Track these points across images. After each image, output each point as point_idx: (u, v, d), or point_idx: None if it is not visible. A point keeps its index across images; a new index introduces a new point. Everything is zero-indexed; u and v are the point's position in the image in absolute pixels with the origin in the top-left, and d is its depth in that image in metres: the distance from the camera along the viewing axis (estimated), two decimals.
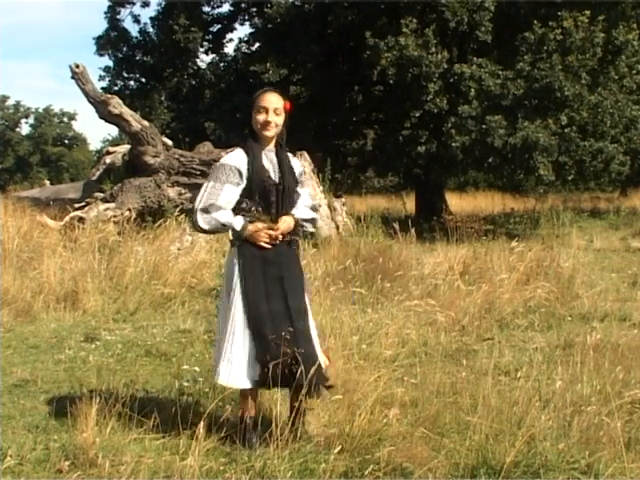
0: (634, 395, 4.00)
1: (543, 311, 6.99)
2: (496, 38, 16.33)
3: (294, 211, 3.85)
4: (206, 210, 3.68)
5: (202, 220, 3.69)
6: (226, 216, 3.69)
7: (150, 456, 3.54)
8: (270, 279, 3.71)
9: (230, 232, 3.75)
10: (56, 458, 3.53)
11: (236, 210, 3.73)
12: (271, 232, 3.70)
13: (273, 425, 3.54)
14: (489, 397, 3.89)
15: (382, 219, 10.81)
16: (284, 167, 3.83)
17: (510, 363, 5.15)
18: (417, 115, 16.94)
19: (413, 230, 9.07)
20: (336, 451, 3.43)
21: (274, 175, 3.80)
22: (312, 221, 3.98)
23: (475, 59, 16.13)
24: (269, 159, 3.83)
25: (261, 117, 3.76)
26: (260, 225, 3.70)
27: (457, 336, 6.02)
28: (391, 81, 15.99)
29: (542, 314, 6.87)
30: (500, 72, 15.65)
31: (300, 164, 4.06)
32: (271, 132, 3.80)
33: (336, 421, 3.83)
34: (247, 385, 3.66)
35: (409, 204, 20.61)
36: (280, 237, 3.74)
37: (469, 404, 4.07)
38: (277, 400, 3.92)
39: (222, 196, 3.69)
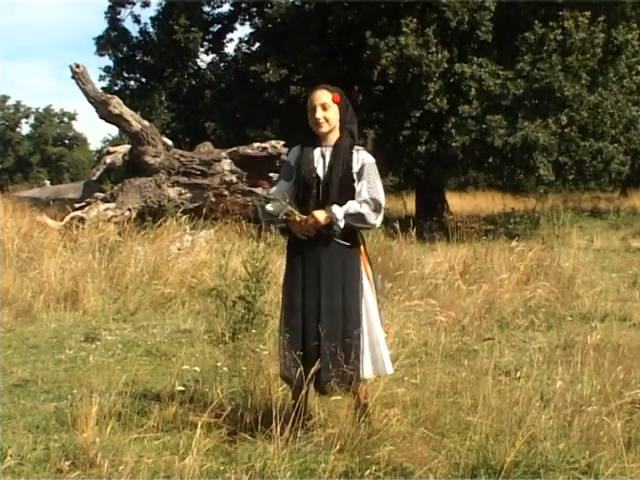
0: (634, 395, 4.00)
1: (543, 311, 6.98)
2: (496, 38, 16.34)
3: (335, 206, 3.69)
4: (263, 200, 3.83)
5: (260, 210, 3.87)
6: (272, 206, 3.78)
7: (150, 456, 3.54)
8: (309, 274, 3.74)
9: (277, 221, 3.82)
10: (56, 458, 3.53)
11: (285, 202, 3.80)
12: (302, 224, 3.71)
13: (273, 425, 3.54)
14: (489, 397, 3.89)
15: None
16: (334, 161, 3.78)
17: (510, 363, 5.15)
18: (417, 115, 16.94)
19: (413, 230, 9.06)
20: (336, 451, 3.44)
21: (321, 170, 3.80)
22: (356, 216, 3.69)
23: (475, 59, 16.14)
24: (322, 154, 3.82)
25: (311, 115, 3.81)
26: (297, 217, 3.72)
27: (457, 336, 6.02)
28: (391, 81, 15.99)
29: (542, 314, 6.87)
30: (500, 72, 15.66)
31: (363, 157, 3.83)
32: (324, 128, 3.80)
33: (336, 421, 3.83)
34: (288, 377, 3.71)
35: (409, 204, 20.60)
36: (313, 231, 3.69)
37: (469, 404, 4.08)
38: (277, 400, 3.92)
39: (275, 189, 3.86)
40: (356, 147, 3.87)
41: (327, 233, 3.70)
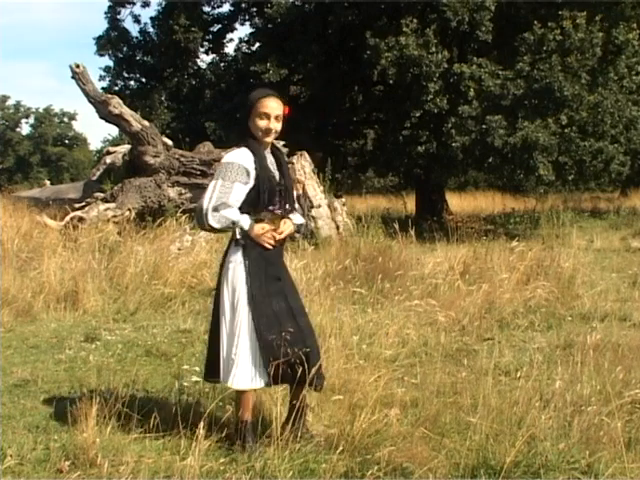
0: (634, 395, 4.00)
1: (543, 311, 6.99)
2: (496, 38, 16.33)
3: (291, 216, 3.89)
4: (217, 208, 3.66)
5: (213, 218, 3.65)
6: (236, 214, 3.69)
7: (150, 456, 3.54)
8: (270, 279, 3.73)
9: (237, 231, 3.70)
10: (56, 458, 3.53)
11: (243, 209, 3.72)
12: (275, 234, 3.73)
13: (273, 425, 3.54)
14: (489, 397, 3.89)
15: (382, 219, 10.80)
16: (284, 167, 3.89)
17: (510, 363, 5.15)
18: (417, 115, 16.93)
19: (413, 230, 9.07)
20: (337, 451, 3.44)
21: (277, 175, 3.83)
22: (302, 227, 4.01)
23: (475, 59, 16.14)
24: (271, 160, 3.86)
25: (263, 123, 3.76)
26: (266, 226, 3.72)
27: (457, 336, 6.02)
28: (391, 81, 15.98)
29: (542, 314, 6.87)
30: (500, 72, 15.66)
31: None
32: (271, 138, 3.83)
33: (336, 421, 3.84)
34: (256, 385, 3.67)
35: (409, 204, 20.61)
36: (280, 239, 3.79)
37: (469, 404, 4.07)
38: (277, 400, 3.92)
39: (232, 195, 3.67)
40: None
41: (288, 240, 3.97)
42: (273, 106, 3.78)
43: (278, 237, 3.74)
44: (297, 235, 4.07)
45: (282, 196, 3.82)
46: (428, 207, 19.14)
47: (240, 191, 3.69)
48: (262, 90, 3.90)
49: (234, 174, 3.69)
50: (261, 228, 3.71)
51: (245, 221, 3.70)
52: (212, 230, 3.72)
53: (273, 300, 3.70)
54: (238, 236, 3.70)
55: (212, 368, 3.79)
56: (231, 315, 3.70)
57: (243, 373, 3.63)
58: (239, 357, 3.63)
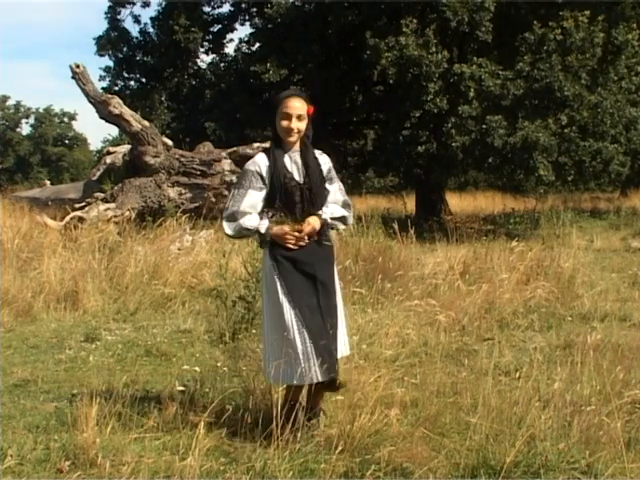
0: (634, 395, 4.01)
1: (543, 311, 6.99)
2: (496, 38, 16.33)
3: (324, 210, 3.84)
4: (231, 216, 3.79)
5: (227, 226, 3.81)
6: (250, 221, 3.77)
7: (150, 456, 3.54)
8: (305, 277, 3.76)
9: (257, 235, 3.79)
10: (56, 458, 3.53)
11: (262, 213, 3.80)
12: (296, 234, 3.74)
13: (273, 425, 3.54)
14: (489, 397, 3.89)
15: (382, 219, 10.80)
16: (309, 167, 3.84)
17: (510, 363, 5.14)
18: (417, 115, 16.94)
19: (413, 230, 9.07)
20: (337, 451, 3.44)
21: (298, 176, 3.82)
22: (342, 219, 3.93)
23: (475, 59, 16.13)
24: (293, 160, 3.85)
25: (284, 124, 3.78)
26: (286, 227, 3.74)
27: (457, 336, 6.02)
28: (391, 81, 15.98)
29: (542, 314, 6.87)
30: (500, 72, 15.66)
31: (326, 161, 3.98)
32: (294, 138, 3.82)
33: (336, 421, 3.84)
34: (302, 382, 3.69)
35: (409, 204, 20.61)
36: (306, 238, 3.76)
37: (469, 404, 4.08)
38: (277, 400, 3.92)
39: (245, 201, 3.77)
40: (317, 151, 3.97)
41: (319, 238, 3.80)
42: (294, 106, 3.79)
43: (299, 236, 3.73)
44: (337, 228, 3.97)
45: (304, 196, 3.80)
46: (428, 207, 19.14)
47: (255, 197, 3.78)
48: (286, 91, 3.94)
49: (247, 181, 3.80)
50: (280, 229, 3.74)
51: (262, 225, 3.76)
52: (230, 237, 3.90)
53: (304, 297, 3.71)
54: (258, 240, 3.82)
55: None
56: (272, 313, 3.76)
57: (289, 370, 3.66)
58: (288, 353, 3.66)
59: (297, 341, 3.65)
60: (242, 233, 3.83)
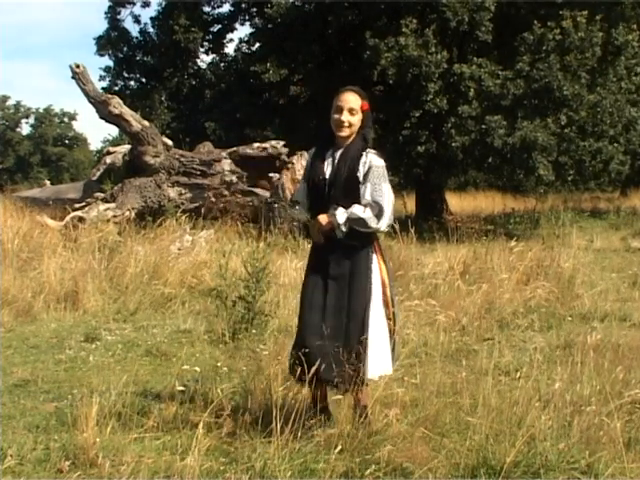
0: (634, 395, 4.00)
1: (543, 311, 6.99)
2: (496, 38, 16.34)
3: (348, 209, 3.72)
4: (293, 205, 4.13)
5: (291, 212, 4.23)
6: (298, 210, 4.04)
7: (150, 456, 3.54)
8: (321, 274, 3.82)
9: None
10: (56, 458, 3.53)
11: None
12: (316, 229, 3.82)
13: (273, 425, 3.54)
14: (489, 397, 3.89)
15: None
16: (341, 162, 3.80)
17: (510, 363, 5.15)
18: (417, 115, 16.94)
19: (413, 230, 9.07)
20: (336, 451, 3.44)
21: (328, 170, 3.83)
22: (358, 221, 3.72)
23: (475, 59, 16.14)
24: (333, 156, 3.85)
25: (335, 117, 3.81)
26: (314, 222, 3.83)
27: (457, 336, 6.02)
28: (391, 81, 15.98)
29: (542, 314, 6.87)
30: (500, 72, 15.66)
31: (371, 160, 3.80)
32: (344, 132, 3.81)
33: (336, 421, 3.84)
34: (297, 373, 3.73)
35: (409, 204, 20.60)
36: (320, 235, 3.79)
37: (469, 404, 4.08)
38: (277, 400, 3.92)
39: (299, 192, 4.06)
40: (368, 150, 3.85)
41: (333, 236, 3.77)
42: (347, 99, 3.81)
43: (314, 231, 3.83)
44: (358, 228, 3.74)
45: (329, 192, 3.79)
46: (428, 207, 19.13)
47: (303, 188, 4.00)
48: (345, 87, 3.95)
49: (303, 173, 4.09)
50: (311, 223, 3.86)
51: (303, 216, 4.04)
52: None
53: (315, 293, 3.79)
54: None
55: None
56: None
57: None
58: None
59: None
60: (297, 219, 4.15)
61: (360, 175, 3.77)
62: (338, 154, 3.83)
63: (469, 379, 4.52)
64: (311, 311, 3.76)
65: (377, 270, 3.83)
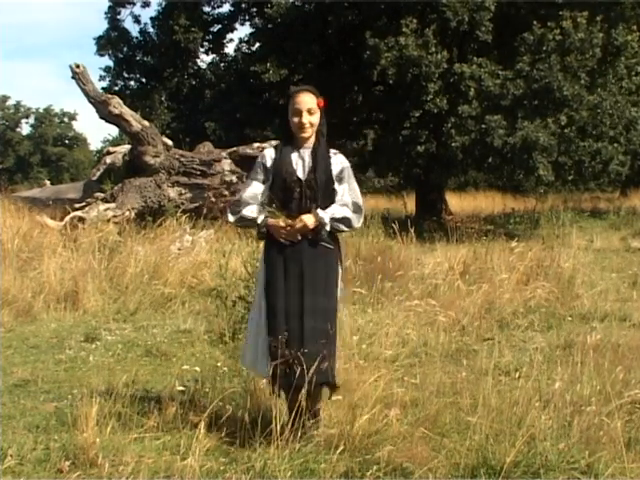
0: (634, 395, 4.00)
1: (543, 311, 6.99)
2: (496, 38, 16.34)
3: (328, 209, 3.75)
4: (235, 204, 3.90)
5: (230, 213, 3.91)
6: (250, 211, 3.82)
7: (150, 456, 3.54)
8: (291, 275, 3.74)
9: (256, 226, 3.84)
10: (56, 458, 3.53)
11: (263, 205, 3.84)
12: (288, 228, 3.72)
13: (273, 425, 3.54)
14: (489, 397, 3.89)
15: (382, 219, 10.81)
16: (315, 164, 3.80)
17: (510, 363, 5.15)
18: (417, 115, 16.94)
19: (413, 230, 9.07)
20: (337, 451, 3.44)
21: (301, 172, 3.80)
22: (344, 221, 3.78)
23: (475, 59, 16.14)
24: (301, 156, 3.83)
25: (295, 120, 3.80)
26: (281, 222, 3.74)
27: (457, 336, 6.02)
28: (391, 81, 15.98)
29: (542, 314, 6.87)
30: (500, 72, 15.67)
31: (341, 161, 3.89)
32: (307, 133, 3.82)
33: (336, 421, 3.84)
34: (264, 374, 3.73)
35: (409, 204, 20.61)
36: (298, 236, 3.73)
37: (469, 404, 4.07)
38: (277, 400, 3.91)
39: (247, 191, 3.87)
40: (332, 150, 3.92)
41: (313, 237, 3.75)
42: (303, 100, 3.80)
43: (290, 231, 3.70)
44: (338, 229, 3.79)
45: (303, 192, 3.78)
46: (428, 207, 19.14)
47: (256, 188, 3.85)
48: (296, 87, 3.94)
49: (254, 172, 3.91)
50: (275, 222, 3.75)
51: (260, 217, 3.80)
52: (232, 224, 4.03)
53: (289, 296, 3.71)
54: (256, 231, 3.88)
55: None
56: (256, 302, 3.86)
57: (255, 358, 3.78)
58: (255, 342, 3.79)
59: (261, 333, 3.75)
60: (242, 222, 3.89)
61: (334, 176, 3.84)
62: (307, 155, 3.83)
63: (469, 379, 4.52)
64: (288, 315, 3.69)
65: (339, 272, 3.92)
